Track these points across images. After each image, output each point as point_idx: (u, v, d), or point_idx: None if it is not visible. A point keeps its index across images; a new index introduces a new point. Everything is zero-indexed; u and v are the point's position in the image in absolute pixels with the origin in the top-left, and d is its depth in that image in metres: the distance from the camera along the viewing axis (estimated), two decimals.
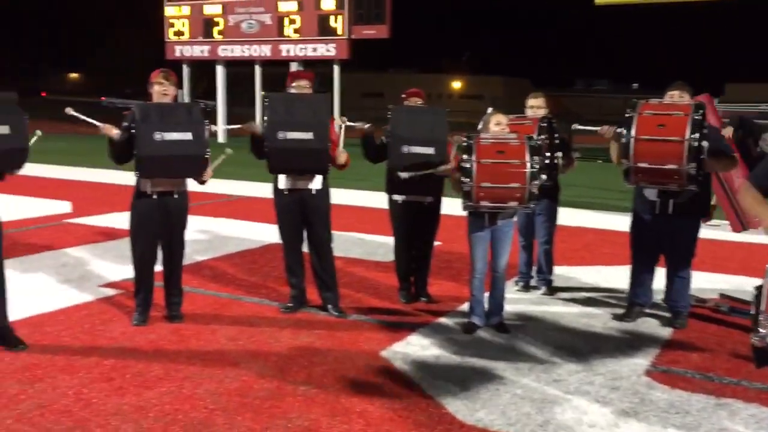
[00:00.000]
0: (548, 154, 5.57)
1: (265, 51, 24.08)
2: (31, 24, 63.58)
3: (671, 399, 3.96)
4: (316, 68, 21.15)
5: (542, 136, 5.59)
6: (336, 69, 23.11)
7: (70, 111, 4.99)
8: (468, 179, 4.72)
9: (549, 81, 62.11)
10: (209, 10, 24.51)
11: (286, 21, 23.55)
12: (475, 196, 4.75)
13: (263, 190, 11.64)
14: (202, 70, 29.28)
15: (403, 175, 5.19)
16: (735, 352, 4.70)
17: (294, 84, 5.33)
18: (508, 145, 4.81)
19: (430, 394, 3.97)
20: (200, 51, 24.93)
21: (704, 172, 4.96)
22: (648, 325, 5.28)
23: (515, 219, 5.21)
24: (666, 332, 5.13)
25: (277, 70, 25.89)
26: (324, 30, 23.02)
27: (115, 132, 4.80)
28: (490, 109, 5.23)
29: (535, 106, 5.95)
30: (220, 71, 25.40)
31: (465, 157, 4.75)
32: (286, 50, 23.70)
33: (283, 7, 23.56)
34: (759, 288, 3.06)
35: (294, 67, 23.88)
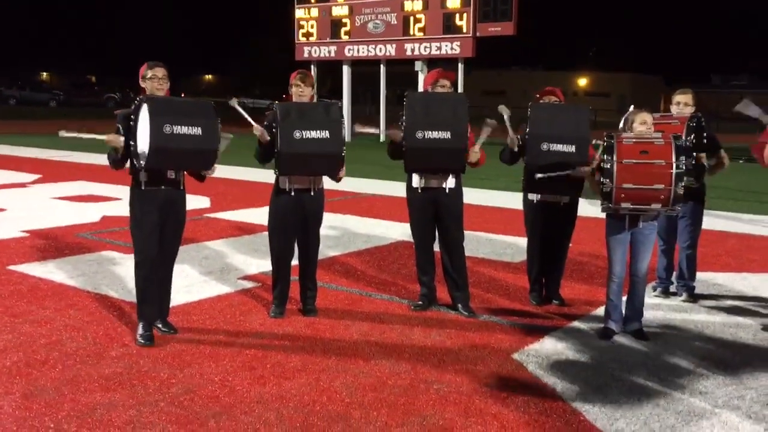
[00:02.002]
0: (695, 154, 5.30)
1: (390, 50, 24.33)
2: (175, 30, 67.74)
3: None
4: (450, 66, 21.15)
5: (691, 136, 5.32)
6: (460, 67, 22.99)
7: (234, 103, 5.08)
8: (608, 180, 4.55)
9: (682, 77, 59.04)
10: (337, 11, 25.06)
11: (411, 20, 23.69)
12: (615, 198, 4.57)
13: (388, 187, 11.81)
14: (327, 69, 29.99)
15: (539, 175, 5.08)
16: None
17: (439, 83, 5.35)
18: (652, 145, 4.60)
19: (566, 400, 3.87)
20: (327, 51, 25.52)
21: None
22: None
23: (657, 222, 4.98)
24: None
25: (401, 68, 26.17)
26: (449, 28, 22.95)
27: (266, 136, 4.98)
28: (632, 108, 5.02)
29: (682, 103, 5.66)
30: (346, 71, 25.91)
31: (606, 157, 4.59)
32: (411, 49, 23.83)
33: (408, 6, 23.71)
34: None
35: (418, 65, 24.04)
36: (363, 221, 9.17)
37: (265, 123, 5.05)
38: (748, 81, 66.22)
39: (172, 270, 4.87)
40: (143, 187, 4.61)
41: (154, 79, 4.67)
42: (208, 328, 4.97)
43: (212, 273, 6.39)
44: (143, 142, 4.39)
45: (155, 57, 5.47)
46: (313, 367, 4.27)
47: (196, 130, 4.47)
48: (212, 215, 9.40)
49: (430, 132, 5.01)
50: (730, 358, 4.50)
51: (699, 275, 5.92)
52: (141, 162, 4.43)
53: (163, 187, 4.64)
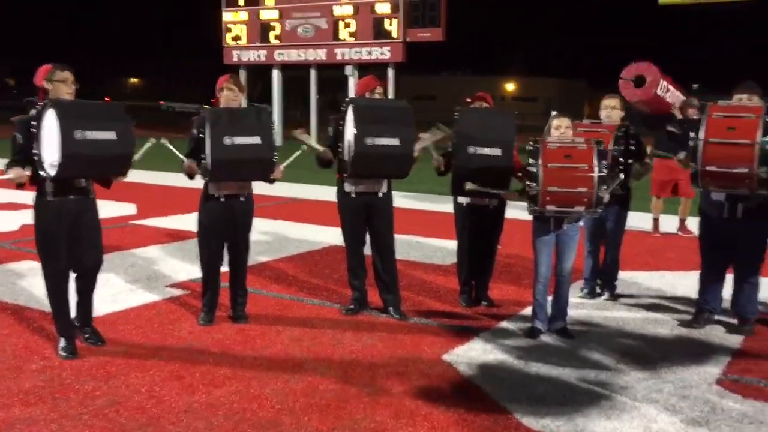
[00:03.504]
0: (622, 160, 5.53)
1: (320, 55, 24.30)
2: (90, 30, 65.75)
3: (744, 409, 3.86)
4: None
5: (626, 145, 5.55)
6: (391, 72, 23.16)
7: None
8: (534, 183, 4.68)
9: (606, 82, 61.00)
10: (266, 15, 24.87)
11: (341, 25, 23.74)
12: (541, 201, 4.71)
13: (320, 192, 11.79)
14: (257, 73, 29.71)
15: (468, 185, 5.18)
16: None
17: (377, 91, 5.41)
18: (575, 149, 4.76)
19: (494, 399, 3.95)
20: (257, 55, 25.30)
21: None
22: (717, 332, 5.15)
23: (581, 224, 5.15)
24: (736, 340, 4.99)
25: (331, 73, 26.18)
26: (379, 33, 23.10)
27: (193, 170, 4.94)
28: (554, 113, 5.18)
29: (610, 107, 5.86)
30: (276, 75, 25.74)
31: (531, 161, 4.72)
32: (342, 54, 23.87)
33: (338, 11, 23.75)
34: None
35: (348, 70, 24.08)
36: (294, 226, 9.12)
37: (194, 131, 4.98)
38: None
39: (94, 281, 4.70)
40: (49, 198, 4.35)
41: (65, 83, 4.38)
42: (134, 337, 4.86)
43: (139, 281, 6.24)
44: (50, 150, 4.13)
45: (79, 56, 5.32)
46: (243, 375, 4.23)
47: (110, 135, 4.26)
48: (139, 222, 9.19)
49: (379, 139, 5.04)
50: (649, 353, 4.69)
51: (620, 274, 6.13)
52: (49, 171, 4.17)
53: (71, 196, 4.42)
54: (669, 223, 8.88)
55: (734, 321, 5.24)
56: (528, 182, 4.73)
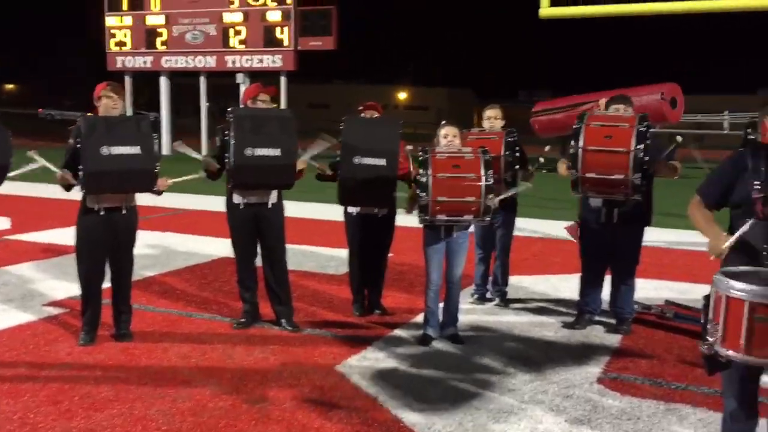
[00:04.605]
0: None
1: (210, 62, 23.80)
2: None
3: (622, 406, 4.04)
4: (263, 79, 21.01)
5: (513, 151, 5.71)
6: (283, 80, 22.98)
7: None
8: (424, 193, 4.74)
9: (493, 92, 63.04)
10: (152, 20, 24.11)
11: (231, 32, 23.34)
12: (431, 210, 4.77)
13: (208, 202, 11.49)
14: (145, 80, 28.77)
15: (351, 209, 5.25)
16: (681, 357, 4.84)
17: (260, 98, 5.31)
18: (463, 159, 4.86)
19: (387, 408, 3.96)
20: (143, 62, 24.48)
21: (648, 182, 5.12)
22: (597, 332, 5.39)
23: (471, 230, 5.26)
24: (615, 339, 5.24)
25: (223, 81, 25.67)
26: (270, 41, 22.90)
27: (67, 179, 4.68)
28: (443, 122, 5.28)
29: (492, 117, 6.02)
30: (163, 82, 24.98)
31: (421, 171, 4.78)
32: (232, 61, 23.48)
33: (228, 18, 23.35)
34: (707, 297, 3.14)
35: (240, 78, 23.71)
36: (182, 238, 8.85)
37: (70, 140, 4.72)
38: (551, 96, 71.90)
39: None
40: None
41: (109, 98, 4.46)
42: (6, 361, 4.55)
43: (12, 301, 5.86)
44: None
45: None
46: (126, 396, 4.04)
47: None
48: (13, 237, 8.65)
49: (260, 149, 4.95)
50: (535, 356, 4.84)
51: (509, 279, 6.31)
52: None
53: None
54: (552, 230, 9.23)
55: (613, 321, 5.49)
56: (418, 192, 4.78)
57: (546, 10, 10.48)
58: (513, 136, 5.84)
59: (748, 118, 8.62)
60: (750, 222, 3.19)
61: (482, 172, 4.79)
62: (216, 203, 10.82)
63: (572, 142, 5.07)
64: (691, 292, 6.40)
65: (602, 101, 6.48)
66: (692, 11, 10.35)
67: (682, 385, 4.35)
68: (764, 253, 3.14)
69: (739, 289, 2.98)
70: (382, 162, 5.28)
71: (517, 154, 5.83)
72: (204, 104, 24.56)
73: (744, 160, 3.28)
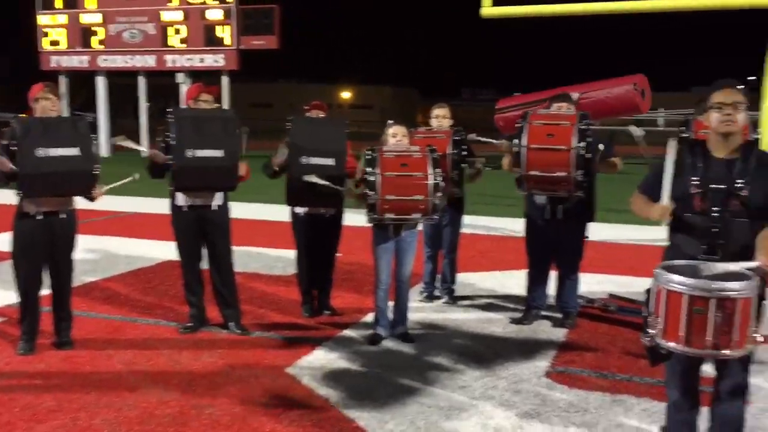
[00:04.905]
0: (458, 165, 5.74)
1: (149, 61, 23.34)
2: None
3: (570, 398, 4.12)
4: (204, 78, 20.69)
5: (459, 149, 5.74)
6: (225, 80, 22.71)
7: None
8: (373, 192, 4.74)
9: (436, 91, 63.54)
10: (87, 18, 23.49)
11: (170, 31, 22.93)
12: (379, 209, 4.77)
13: (151, 205, 11.27)
14: (81, 80, 28.00)
15: (307, 178, 5.13)
16: (625, 349, 4.96)
17: (201, 98, 5.22)
18: (411, 158, 4.87)
19: (339, 408, 3.94)
20: (79, 61, 23.86)
21: (590, 178, 5.24)
22: (544, 327, 5.48)
23: (419, 229, 5.28)
24: (561, 333, 5.33)
25: (163, 80, 25.18)
26: (211, 40, 22.59)
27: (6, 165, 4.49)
28: (390, 121, 5.28)
29: (440, 116, 6.05)
30: (101, 82, 24.38)
31: (369, 170, 4.77)
32: (172, 60, 23.08)
33: (167, 16, 22.92)
34: (648, 291, 3.22)
35: (180, 77, 23.31)
36: (125, 242, 8.65)
37: (3, 142, 4.55)
38: (494, 94, 72.85)
39: None
40: None
41: (47, 100, 4.33)
42: None
43: None
44: None
45: None
46: (69, 406, 3.91)
47: None
48: None
49: (201, 150, 4.86)
50: (484, 352, 4.89)
51: (457, 276, 6.36)
52: None
53: None
54: (499, 227, 9.35)
55: (559, 315, 5.59)
56: (366, 191, 4.78)
57: (487, 10, 10.60)
58: (460, 135, 5.89)
59: (683, 115, 8.91)
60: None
61: (430, 170, 4.81)
62: (158, 205, 10.63)
63: (515, 141, 5.14)
64: (633, 286, 6.57)
65: (573, 95, 6.60)
66: (631, 11, 10.62)
67: (627, 376, 4.45)
68: (702, 246, 3.23)
69: (677, 282, 3.06)
70: (330, 162, 5.26)
71: (464, 153, 5.88)
72: (143, 104, 24.06)
73: (682, 156, 3.37)
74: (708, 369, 3.43)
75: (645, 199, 3.44)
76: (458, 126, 6.07)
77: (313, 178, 5.07)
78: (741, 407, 3.31)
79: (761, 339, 3.10)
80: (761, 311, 3.11)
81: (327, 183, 5.08)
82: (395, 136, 5.15)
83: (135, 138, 15.08)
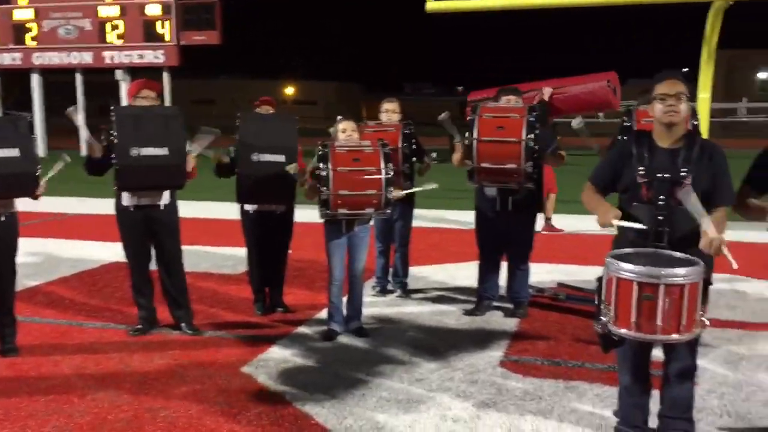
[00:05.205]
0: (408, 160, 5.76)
1: (86, 58, 22.68)
2: None
3: (525, 387, 4.19)
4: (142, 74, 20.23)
5: (410, 143, 5.76)
6: (166, 76, 22.23)
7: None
8: (325, 188, 4.71)
9: (379, 86, 63.63)
10: (20, 14, 22.68)
11: (108, 26, 22.33)
12: (332, 204, 4.75)
13: (94, 205, 10.99)
14: (13, 78, 27.04)
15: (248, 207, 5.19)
16: (576, 336, 5.06)
17: (141, 94, 5.08)
18: (362, 153, 4.87)
19: (297, 406, 3.92)
20: (11, 59, 23.01)
21: (539, 170, 5.33)
22: (496, 317, 5.56)
23: (371, 224, 5.29)
24: (513, 323, 5.42)
25: (101, 78, 24.54)
26: (151, 36, 22.08)
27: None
28: (339, 117, 5.26)
29: (390, 110, 6.06)
30: (35, 80, 23.60)
31: (321, 165, 4.74)
32: (110, 57, 22.48)
33: (104, 11, 22.31)
34: (600, 279, 3.30)
35: (119, 74, 22.76)
36: (68, 244, 8.41)
37: None
38: (435, 89, 73.34)
39: None
40: None
41: None
42: None
43: None
44: None
45: None
46: (17, 414, 3.79)
47: None
48: None
49: (145, 149, 4.75)
50: (439, 344, 4.93)
51: (409, 270, 6.39)
52: None
53: None
54: (449, 221, 9.43)
55: (510, 306, 5.68)
56: (319, 186, 4.75)
57: (432, 4, 10.68)
58: (410, 129, 5.92)
59: (623, 106, 9.15)
60: (637, 226, 3.35)
61: (382, 164, 4.82)
62: (101, 206, 10.38)
63: (467, 134, 5.19)
64: (580, 274, 6.72)
65: (546, 89, 6.74)
66: (570, 5, 10.84)
67: (578, 363, 4.55)
68: (650, 233, 3.32)
69: (627, 270, 3.14)
70: (281, 158, 5.22)
71: (414, 146, 5.91)
72: (81, 102, 23.38)
73: (629, 147, 3.46)
74: (657, 353, 3.53)
75: (599, 196, 3.51)
76: (407, 120, 6.10)
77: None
78: (690, 389, 3.43)
79: (708, 322, 3.21)
80: (707, 295, 3.22)
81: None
82: (345, 131, 5.13)
83: (73, 138, 14.66)
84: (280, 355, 4.73)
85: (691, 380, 3.43)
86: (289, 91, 66.42)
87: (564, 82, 9.48)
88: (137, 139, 4.79)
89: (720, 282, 5.43)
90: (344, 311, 5.16)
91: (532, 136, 5.06)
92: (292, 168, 5.15)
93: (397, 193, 4.90)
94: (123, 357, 4.67)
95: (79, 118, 4.93)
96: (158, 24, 22.02)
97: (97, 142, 4.93)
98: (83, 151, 5.19)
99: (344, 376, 4.35)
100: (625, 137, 4.16)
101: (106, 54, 22.51)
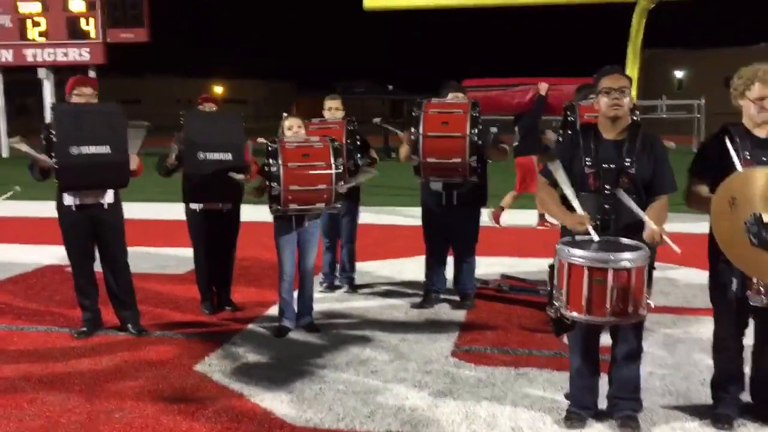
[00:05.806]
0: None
1: (6, 56, 21.82)
2: None
3: (478, 375, 4.30)
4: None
5: (354, 139, 5.80)
6: (91, 74, 21.59)
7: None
8: (276, 184, 4.71)
9: (312, 84, 63.26)
10: None
11: (29, 23, 21.54)
12: (283, 200, 4.76)
13: (29, 208, 10.58)
14: None
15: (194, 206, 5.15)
16: (522, 325, 5.22)
17: (75, 91, 4.95)
18: (312, 148, 4.89)
19: (255, 402, 3.92)
20: None
21: (483, 165, 5.46)
22: (445, 309, 5.67)
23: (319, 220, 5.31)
24: (461, 314, 5.54)
25: (23, 76, 23.64)
26: (75, 33, 21.42)
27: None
28: (285, 115, 5.27)
29: (333, 107, 6.09)
30: None
31: (271, 161, 4.74)
32: (33, 55, 21.70)
33: (24, 8, 21.50)
34: (552, 266, 3.43)
35: (42, 73, 22.00)
36: (1, 248, 8.10)
37: None
38: (366, 88, 73.32)
39: None
40: None
41: None
42: None
43: None
44: None
45: None
46: None
47: None
48: None
49: (86, 147, 4.64)
50: (391, 337, 5.00)
51: (356, 265, 6.44)
52: None
53: None
54: (391, 216, 9.49)
55: (457, 298, 5.80)
56: (269, 182, 4.75)
57: (370, 2, 10.73)
58: (353, 125, 5.97)
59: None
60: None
61: (332, 160, 4.85)
62: (31, 208, 10.02)
63: (413, 129, 5.28)
64: (521, 266, 6.92)
65: (542, 85, 6.88)
66: (508, 5, 11.08)
67: (527, 350, 4.70)
68: (597, 222, 3.47)
69: (578, 255, 3.29)
70: (227, 156, 5.19)
71: (358, 142, 5.96)
72: (2, 102, 22.50)
73: (576, 139, 3.60)
74: (604, 338, 3.69)
75: (552, 194, 3.62)
76: (350, 117, 6.15)
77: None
78: (637, 370, 3.60)
79: (653, 305, 3.39)
80: (651, 279, 3.40)
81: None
82: (291, 128, 5.14)
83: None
84: (232, 352, 4.71)
85: (637, 362, 3.60)
86: (219, 90, 65.37)
87: (558, 80, 9.70)
88: (77, 137, 4.68)
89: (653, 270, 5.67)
90: (295, 307, 5.17)
91: (475, 131, 5.19)
92: (239, 177, 5.10)
93: (341, 187, 4.93)
94: (70, 360, 4.56)
95: (24, 147, 4.74)
96: (83, 20, 21.39)
97: (48, 160, 4.74)
98: (4, 152, 5.00)
99: (300, 372, 4.36)
100: (569, 131, 4.32)
101: (28, 52, 21.73)
